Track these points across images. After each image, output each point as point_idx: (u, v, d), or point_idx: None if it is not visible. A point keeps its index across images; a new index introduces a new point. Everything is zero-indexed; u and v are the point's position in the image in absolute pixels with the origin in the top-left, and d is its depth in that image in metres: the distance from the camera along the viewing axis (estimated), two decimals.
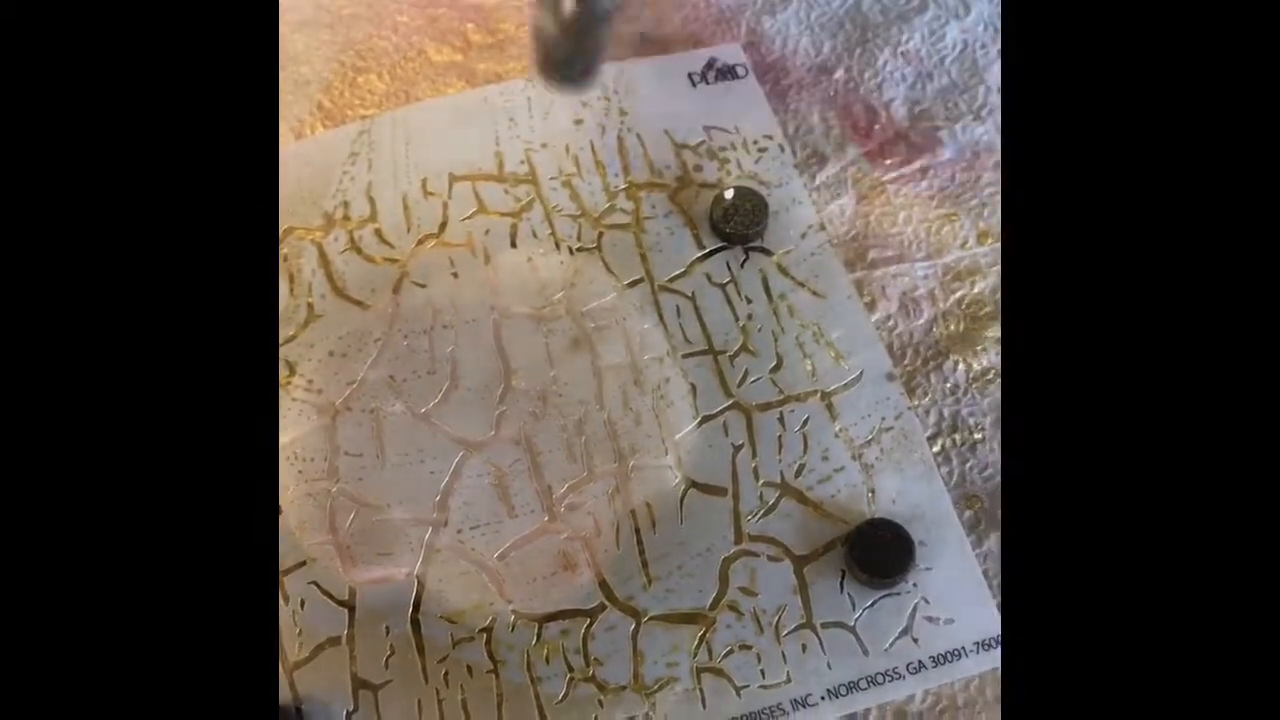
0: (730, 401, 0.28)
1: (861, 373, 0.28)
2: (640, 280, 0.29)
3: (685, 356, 0.28)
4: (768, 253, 0.30)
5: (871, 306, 0.29)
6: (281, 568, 0.26)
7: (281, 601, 0.25)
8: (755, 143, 0.32)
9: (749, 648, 0.25)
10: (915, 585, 0.25)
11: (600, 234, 0.30)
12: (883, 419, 0.27)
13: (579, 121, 0.32)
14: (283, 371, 0.28)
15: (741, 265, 0.30)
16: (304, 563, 0.26)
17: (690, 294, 0.29)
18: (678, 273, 0.29)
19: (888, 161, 0.32)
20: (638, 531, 0.26)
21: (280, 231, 0.30)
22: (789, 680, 0.25)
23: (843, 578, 0.26)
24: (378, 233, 0.30)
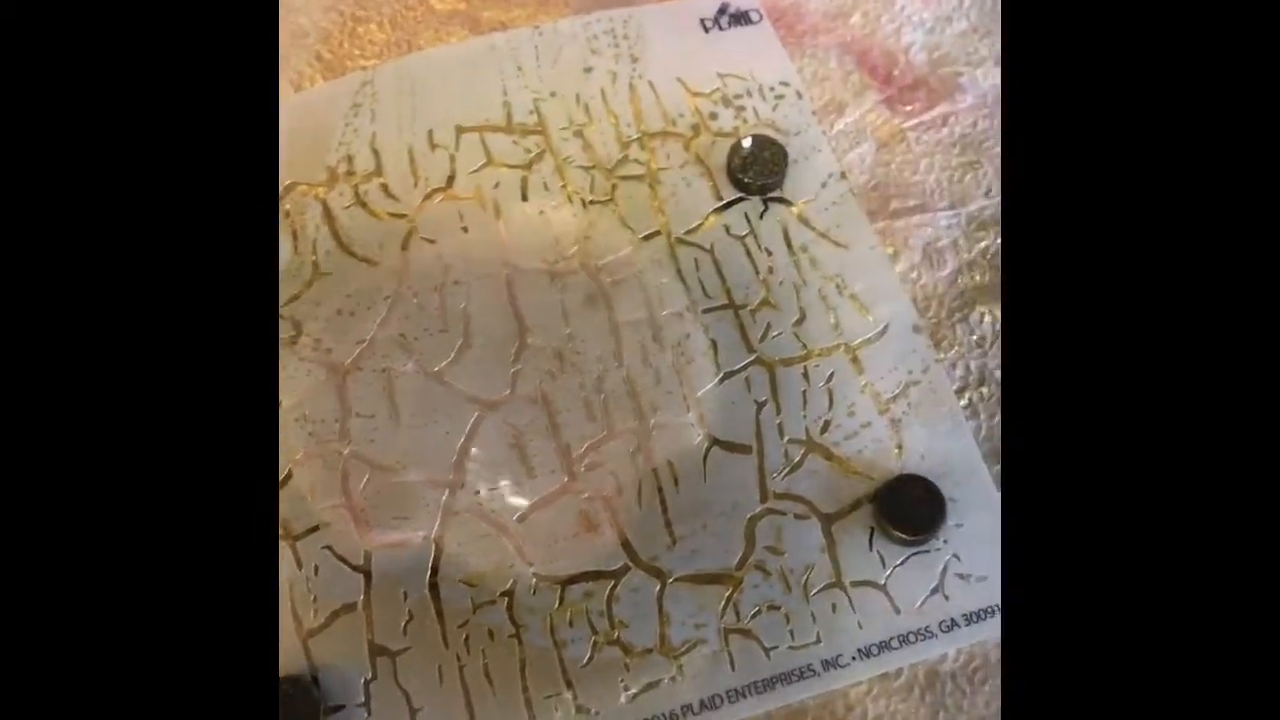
0: (752, 357, 0.27)
1: (887, 326, 0.27)
2: (657, 233, 0.28)
3: (705, 311, 0.27)
4: (788, 203, 0.29)
5: (894, 257, 0.29)
6: (293, 533, 0.25)
7: (295, 567, 0.25)
8: (771, 89, 0.31)
9: (777, 608, 0.24)
10: (946, 542, 0.25)
11: (614, 186, 0.29)
12: (909, 372, 0.27)
13: (589, 70, 0.31)
14: (289, 331, 0.27)
15: (761, 216, 0.29)
16: (316, 527, 0.25)
17: (709, 247, 0.28)
18: (695, 225, 0.29)
19: (908, 108, 0.31)
20: (660, 491, 0.25)
21: (282, 187, 0.29)
22: (819, 641, 0.24)
23: (872, 535, 0.25)
24: (383, 187, 0.29)
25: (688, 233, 0.28)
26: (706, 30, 0.32)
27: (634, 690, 0.24)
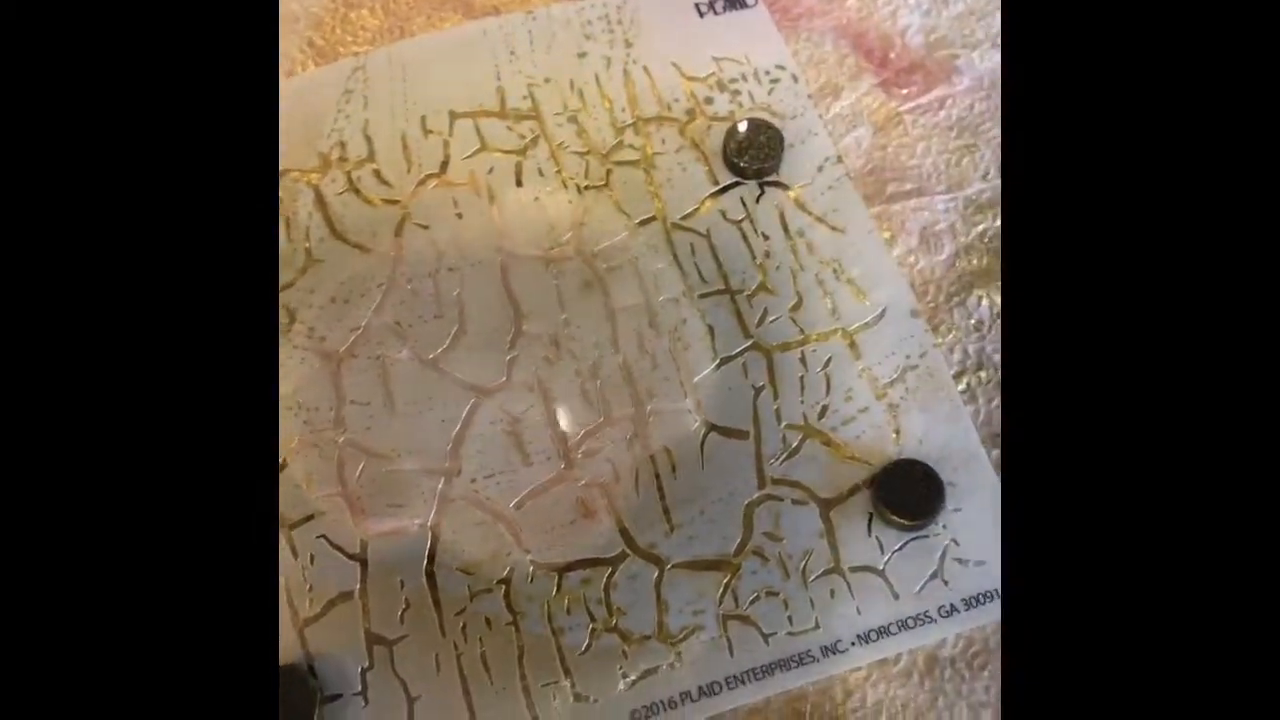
0: (749, 342, 0.27)
1: (884, 310, 0.27)
2: (652, 219, 0.28)
3: (702, 296, 0.27)
4: (784, 187, 0.29)
5: (891, 242, 0.28)
6: (289, 521, 0.25)
7: (290, 556, 0.25)
8: (767, 73, 0.30)
9: (776, 594, 0.24)
10: (945, 527, 0.25)
11: (609, 171, 0.29)
12: (907, 357, 0.27)
13: (583, 55, 0.31)
14: (283, 319, 0.27)
15: (757, 200, 0.28)
16: (312, 516, 0.25)
17: (705, 232, 0.28)
18: (691, 210, 0.28)
19: (904, 91, 0.31)
20: (658, 477, 0.25)
21: None
22: (817, 626, 0.24)
23: (870, 520, 0.25)
24: (376, 173, 0.29)
25: (684, 218, 0.28)
26: (701, 15, 0.31)
27: (632, 677, 0.23)
